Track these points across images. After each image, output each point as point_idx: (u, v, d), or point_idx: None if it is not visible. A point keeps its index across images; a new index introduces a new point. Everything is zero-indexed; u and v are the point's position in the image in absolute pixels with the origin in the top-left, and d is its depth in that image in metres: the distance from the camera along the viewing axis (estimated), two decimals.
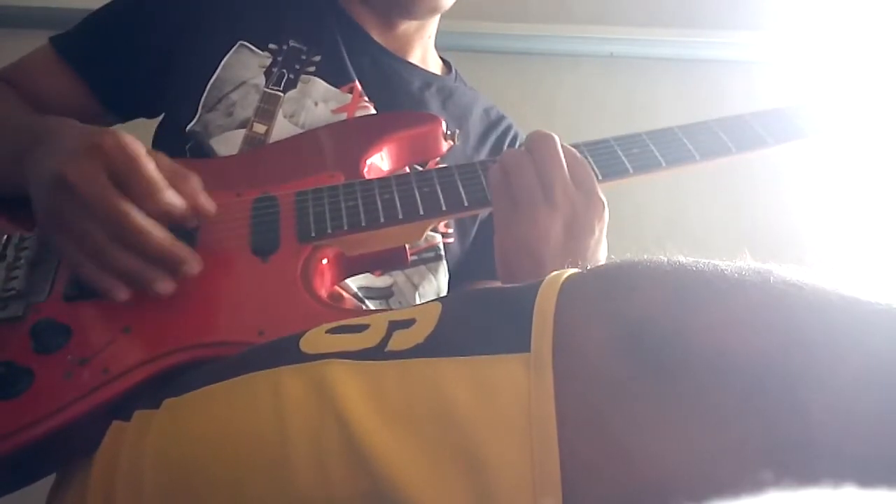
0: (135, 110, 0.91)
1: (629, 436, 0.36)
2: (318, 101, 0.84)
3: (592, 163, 0.71)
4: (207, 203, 0.64)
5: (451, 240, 0.87)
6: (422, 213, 0.69)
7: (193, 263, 0.62)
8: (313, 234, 0.67)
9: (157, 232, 0.60)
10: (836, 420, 0.33)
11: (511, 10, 1.54)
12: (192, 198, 0.63)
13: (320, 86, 0.85)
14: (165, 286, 0.60)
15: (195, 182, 0.64)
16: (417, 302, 0.82)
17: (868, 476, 0.26)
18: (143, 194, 0.60)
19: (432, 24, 0.94)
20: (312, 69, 0.85)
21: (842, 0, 1.55)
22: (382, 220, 0.68)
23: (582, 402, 0.38)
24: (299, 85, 0.84)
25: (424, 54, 0.95)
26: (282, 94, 0.83)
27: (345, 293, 0.73)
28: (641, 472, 0.36)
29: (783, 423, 0.34)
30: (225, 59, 0.83)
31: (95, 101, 0.87)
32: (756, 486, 0.30)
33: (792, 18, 1.55)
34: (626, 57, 1.56)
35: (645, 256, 0.44)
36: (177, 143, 0.81)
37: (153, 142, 0.87)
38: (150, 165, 0.60)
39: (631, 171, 0.71)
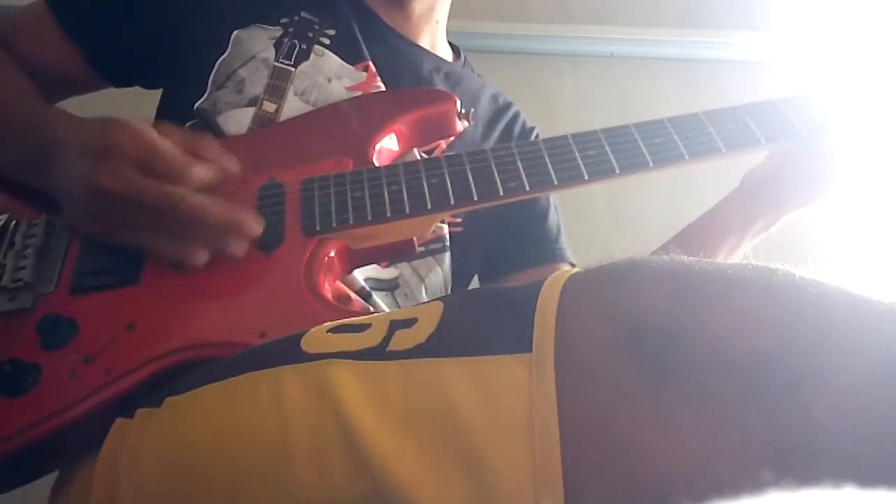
0: (130, 81, 0.88)
1: (631, 435, 0.36)
2: (331, 78, 0.81)
3: (610, 154, 0.68)
4: (230, 162, 0.67)
5: (458, 229, 0.85)
6: (429, 207, 0.67)
7: (253, 224, 0.64)
8: (318, 228, 0.66)
9: (210, 205, 0.62)
10: (838, 420, 0.33)
11: (511, 10, 1.54)
12: (216, 161, 0.65)
13: (334, 61, 0.82)
14: (236, 248, 0.63)
15: (211, 144, 0.66)
16: (424, 294, 0.81)
17: (869, 476, 0.26)
18: (173, 176, 0.61)
19: (441, 9, 0.92)
20: (326, 42, 0.82)
21: (843, 0, 1.55)
22: (389, 214, 0.67)
23: (584, 402, 0.38)
24: (312, 57, 0.81)
25: (433, 39, 0.93)
26: (293, 69, 0.80)
27: (351, 292, 0.73)
28: (643, 472, 0.36)
29: (784, 422, 0.34)
30: (234, 34, 0.80)
31: (89, 70, 0.84)
32: (757, 485, 0.30)
33: (793, 19, 1.55)
34: (627, 57, 1.57)
35: (647, 256, 0.44)
36: (182, 121, 0.79)
37: (155, 121, 0.83)
38: (169, 146, 0.62)
39: (651, 164, 0.68)
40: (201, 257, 0.62)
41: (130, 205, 0.60)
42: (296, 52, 0.81)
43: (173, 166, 0.61)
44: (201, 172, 0.63)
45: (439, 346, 0.44)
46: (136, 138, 0.61)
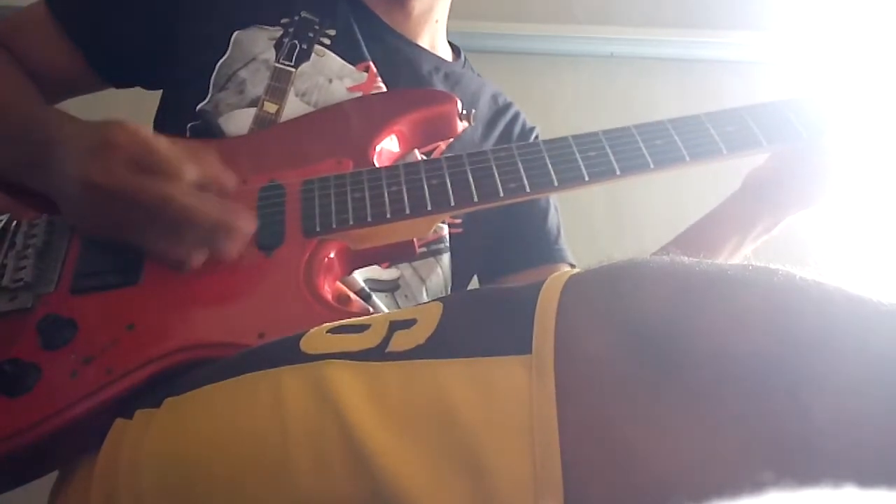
0: (131, 81, 0.87)
1: (631, 436, 0.36)
2: (332, 79, 0.81)
3: (611, 155, 0.68)
4: (226, 176, 0.66)
5: (459, 230, 0.85)
6: (429, 208, 0.67)
7: (245, 223, 0.63)
8: (318, 229, 0.66)
9: (201, 204, 0.61)
10: (839, 421, 0.33)
11: (511, 10, 1.54)
12: (211, 169, 0.65)
13: (335, 62, 0.82)
14: (229, 249, 0.62)
15: (211, 154, 0.66)
16: (424, 295, 0.81)
17: (869, 476, 0.26)
18: (168, 173, 0.61)
19: (441, 8, 0.92)
20: (327, 42, 0.82)
21: (843, 1, 1.55)
22: (389, 215, 0.67)
23: (583, 403, 0.38)
24: (313, 57, 0.81)
25: (433, 39, 0.93)
26: (293, 70, 0.80)
27: (351, 293, 0.72)
28: (643, 473, 0.36)
29: (785, 423, 0.34)
30: (234, 35, 0.80)
31: (90, 70, 0.83)
32: (757, 486, 0.30)
33: (792, 18, 1.56)
34: (627, 57, 1.57)
35: (647, 256, 0.44)
36: (183, 122, 0.79)
37: (155, 122, 0.85)
38: (163, 145, 0.62)
39: (652, 166, 0.68)
40: (195, 258, 0.62)
41: (122, 202, 0.60)
42: (296, 52, 0.81)
43: (166, 164, 0.61)
44: (194, 172, 0.62)
45: (439, 347, 0.44)
46: (130, 136, 0.61)
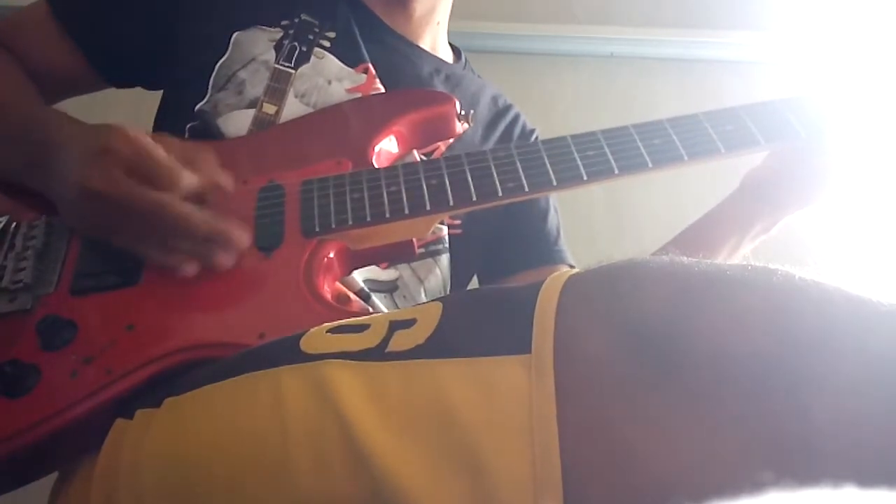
0: (131, 81, 0.88)
1: (630, 437, 0.36)
2: (331, 80, 0.81)
3: (609, 154, 0.68)
4: (224, 179, 0.66)
5: (458, 231, 0.85)
6: (428, 208, 0.67)
7: (240, 236, 0.63)
8: (317, 229, 0.67)
9: (195, 215, 0.61)
10: (838, 421, 0.33)
11: (511, 10, 1.54)
12: (209, 175, 0.65)
13: (334, 64, 0.82)
14: (222, 260, 0.63)
15: (209, 158, 0.66)
16: (423, 296, 0.81)
17: (869, 477, 0.26)
18: (164, 182, 0.61)
19: (442, 10, 0.92)
20: (327, 44, 0.83)
21: (842, 0, 1.55)
22: (388, 215, 0.67)
23: (583, 403, 0.38)
24: (312, 59, 0.81)
25: (434, 41, 0.93)
26: (293, 71, 0.80)
27: (351, 293, 0.73)
28: (642, 473, 0.36)
29: (785, 423, 0.34)
30: (234, 36, 0.80)
31: (91, 70, 0.83)
32: (757, 486, 0.30)
33: (791, 18, 1.56)
34: (627, 57, 1.57)
35: (647, 256, 0.44)
36: (182, 123, 0.79)
37: (155, 122, 0.85)
38: (161, 153, 0.62)
39: (650, 165, 0.68)
40: (189, 268, 0.62)
41: (118, 208, 0.60)
42: (296, 54, 0.81)
43: (162, 172, 0.61)
44: (190, 180, 0.62)
45: (438, 346, 0.44)
46: (129, 142, 0.61)
